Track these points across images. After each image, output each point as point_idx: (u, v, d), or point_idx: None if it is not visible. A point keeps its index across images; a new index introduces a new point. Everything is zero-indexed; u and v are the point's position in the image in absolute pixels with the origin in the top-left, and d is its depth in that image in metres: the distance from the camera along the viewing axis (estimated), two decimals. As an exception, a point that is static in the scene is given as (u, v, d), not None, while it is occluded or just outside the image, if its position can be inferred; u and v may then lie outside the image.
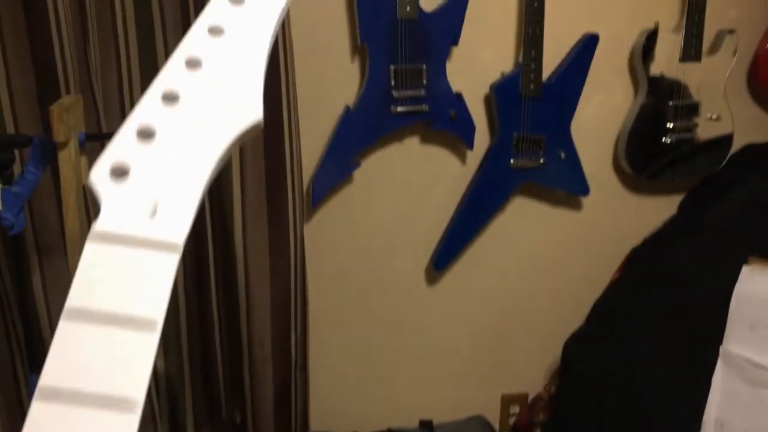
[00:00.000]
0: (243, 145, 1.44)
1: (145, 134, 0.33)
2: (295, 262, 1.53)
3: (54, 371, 0.28)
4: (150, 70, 1.34)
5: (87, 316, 0.29)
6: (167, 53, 1.35)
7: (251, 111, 0.34)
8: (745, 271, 1.34)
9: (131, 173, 0.32)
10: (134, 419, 0.28)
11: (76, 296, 0.30)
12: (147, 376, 0.29)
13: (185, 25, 1.37)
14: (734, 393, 1.32)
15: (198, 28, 0.36)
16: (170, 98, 0.34)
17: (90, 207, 1.29)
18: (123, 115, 1.32)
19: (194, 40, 0.35)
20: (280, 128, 1.44)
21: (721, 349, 1.35)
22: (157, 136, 0.33)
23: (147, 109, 0.33)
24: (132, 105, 1.34)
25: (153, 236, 0.31)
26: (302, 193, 1.51)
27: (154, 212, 0.31)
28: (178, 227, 0.31)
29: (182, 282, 1.51)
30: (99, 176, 0.32)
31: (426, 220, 1.64)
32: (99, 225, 0.31)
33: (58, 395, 0.27)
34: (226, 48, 0.35)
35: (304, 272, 1.55)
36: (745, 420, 1.30)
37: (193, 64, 0.35)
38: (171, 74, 0.34)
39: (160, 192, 0.32)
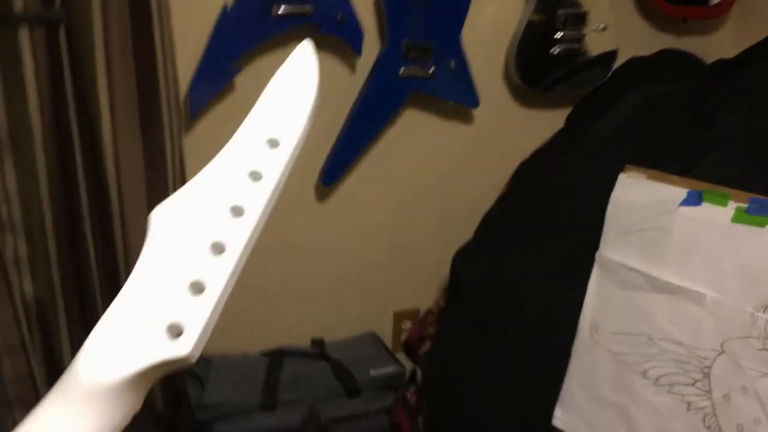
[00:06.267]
0: (110, 55, 1.31)
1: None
2: (173, 178, 1.44)
3: None
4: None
5: None
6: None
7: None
8: (621, 178, 1.37)
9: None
10: None
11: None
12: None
13: None
14: (607, 297, 1.37)
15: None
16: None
17: None
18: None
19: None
20: (150, 31, 1.31)
21: (597, 255, 1.39)
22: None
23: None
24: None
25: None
26: (178, 103, 1.40)
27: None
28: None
29: (49, 201, 1.39)
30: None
31: (314, 132, 1.56)
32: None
33: None
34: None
35: (183, 189, 1.46)
36: (615, 321, 1.35)
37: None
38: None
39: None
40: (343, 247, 1.73)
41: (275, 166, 0.41)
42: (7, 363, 1.42)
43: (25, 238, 1.41)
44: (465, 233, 1.74)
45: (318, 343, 1.70)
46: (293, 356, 1.62)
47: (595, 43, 1.62)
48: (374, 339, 1.75)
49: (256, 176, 0.40)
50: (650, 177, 1.32)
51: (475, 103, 1.61)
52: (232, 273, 0.39)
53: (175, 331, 0.37)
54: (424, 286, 1.84)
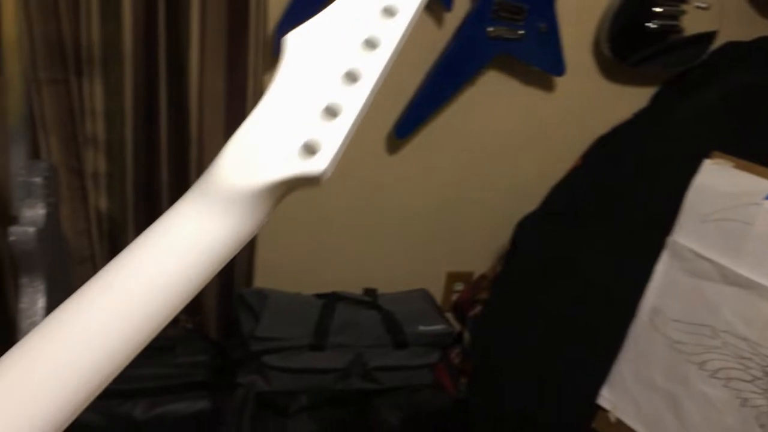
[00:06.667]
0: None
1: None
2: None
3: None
4: None
5: None
6: None
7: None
8: (706, 164, 1.33)
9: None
10: None
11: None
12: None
13: None
14: (674, 283, 1.34)
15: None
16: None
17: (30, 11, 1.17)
18: None
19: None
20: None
21: (669, 239, 1.36)
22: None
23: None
24: None
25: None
26: (265, 40, 1.41)
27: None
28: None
29: (132, 121, 1.43)
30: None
31: (393, 82, 1.55)
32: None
33: None
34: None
35: (260, 124, 1.48)
36: (679, 309, 1.33)
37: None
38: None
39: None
40: (407, 201, 1.73)
41: (410, 1, 0.41)
42: (76, 274, 1.49)
43: (105, 154, 1.46)
44: (530, 203, 1.72)
45: (371, 292, 1.72)
46: (346, 301, 1.64)
47: (693, 22, 1.55)
48: (426, 296, 1.77)
49: (390, 12, 0.41)
50: (737, 166, 1.27)
51: (561, 71, 1.57)
52: (365, 102, 0.40)
53: (310, 150, 0.39)
54: (480, 251, 1.84)
